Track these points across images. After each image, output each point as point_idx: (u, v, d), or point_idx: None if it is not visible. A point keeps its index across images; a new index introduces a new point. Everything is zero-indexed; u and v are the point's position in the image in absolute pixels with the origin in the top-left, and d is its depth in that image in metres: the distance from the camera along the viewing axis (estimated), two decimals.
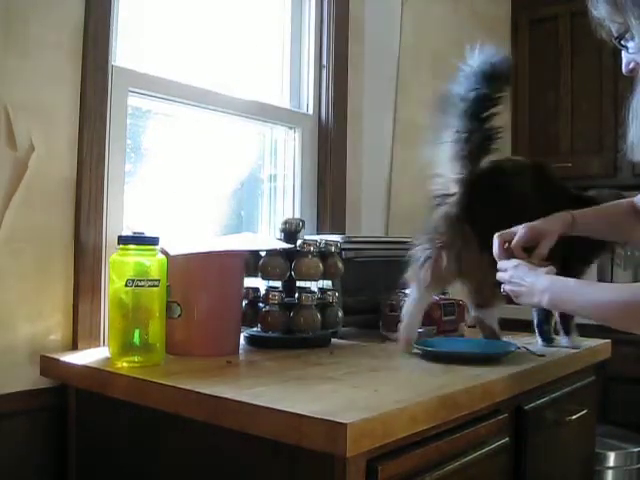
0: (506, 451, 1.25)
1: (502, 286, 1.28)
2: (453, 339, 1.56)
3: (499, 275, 1.28)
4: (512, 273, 1.25)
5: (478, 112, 1.40)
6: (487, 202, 1.42)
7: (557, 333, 1.57)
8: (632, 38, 1.10)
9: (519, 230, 1.30)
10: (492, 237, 1.30)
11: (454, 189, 1.43)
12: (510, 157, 1.75)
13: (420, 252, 1.44)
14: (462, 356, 1.34)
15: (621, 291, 1.13)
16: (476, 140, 1.41)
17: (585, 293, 1.17)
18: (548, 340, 1.55)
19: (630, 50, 1.12)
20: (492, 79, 1.39)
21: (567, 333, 1.55)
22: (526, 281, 1.22)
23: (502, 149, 1.48)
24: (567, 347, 1.53)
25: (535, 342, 1.56)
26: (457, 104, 1.41)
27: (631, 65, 1.13)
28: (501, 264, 1.28)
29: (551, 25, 2.88)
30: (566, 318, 1.54)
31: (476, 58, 1.41)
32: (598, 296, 1.14)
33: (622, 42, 1.12)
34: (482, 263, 1.38)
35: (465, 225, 1.41)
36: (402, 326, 1.46)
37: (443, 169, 1.45)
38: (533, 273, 1.22)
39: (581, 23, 2.65)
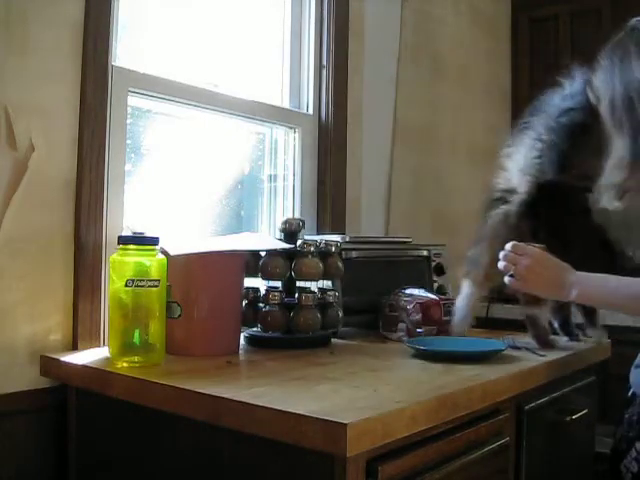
0: (506, 451, 1.25)
1: (511, 274, 1.29)
2: (445, 339, 1.50)
3: (508, 258, 1.30)
4: (528, 263, 1.26)
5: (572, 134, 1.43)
6: (552, 205, 1.43)
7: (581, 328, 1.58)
8: None
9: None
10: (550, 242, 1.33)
11: (521, 188, 1.45)
12: None
13: (477, 256, 1.48)
14: (452, 355, 1.33)
15: None
16: (559, 156, 1.42)
17: (616, 287, 1.19)
18: (575, 337, 1.57)
19: None
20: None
21: (594, 325, 1.55)
22: (546, 273, 1.24)
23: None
24: (594, 340, 1.56)
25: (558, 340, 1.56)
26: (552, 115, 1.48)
27: None
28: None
29: (551, 25, 2.88)
30: (591, 313, 1.53)
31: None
32: (632, 291, 1.16)
33: None
34: None
35: (523, 224, 1.44)
36: (455, 320, 1.50)
37: (513, 165, 1.47)
38: (552, 264, 1.25)
39: (581, 23, 2.65)
